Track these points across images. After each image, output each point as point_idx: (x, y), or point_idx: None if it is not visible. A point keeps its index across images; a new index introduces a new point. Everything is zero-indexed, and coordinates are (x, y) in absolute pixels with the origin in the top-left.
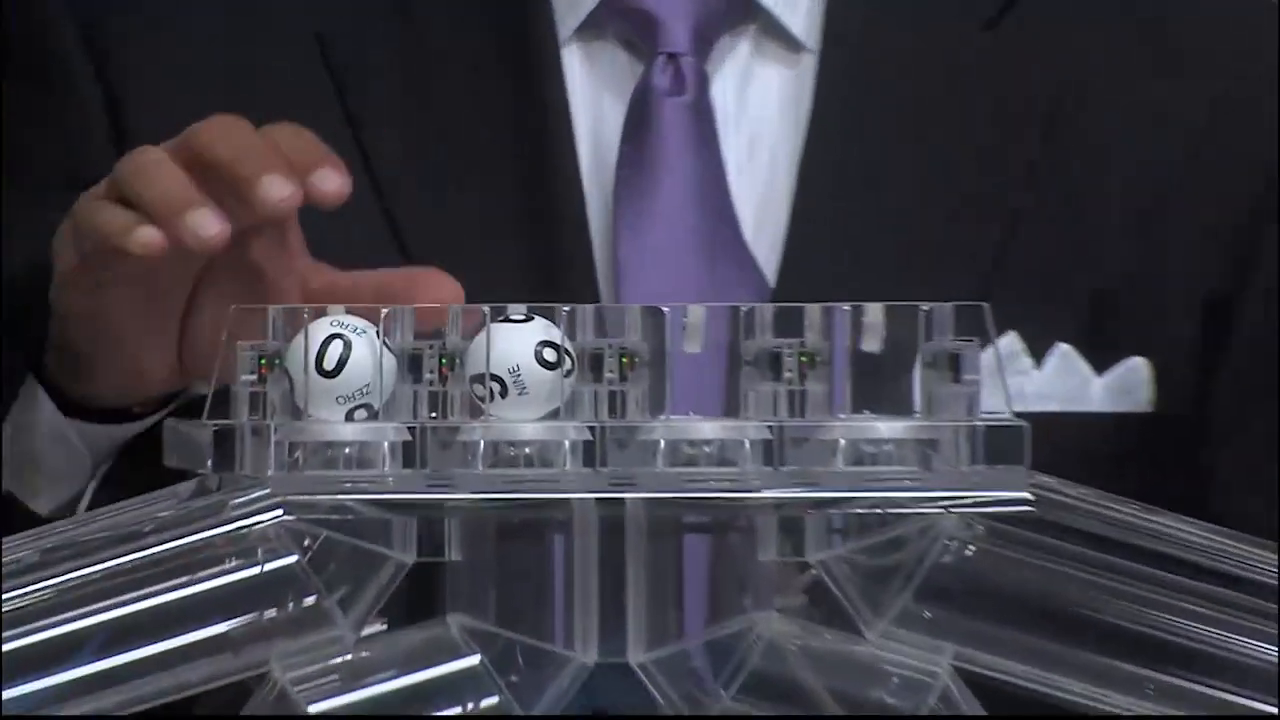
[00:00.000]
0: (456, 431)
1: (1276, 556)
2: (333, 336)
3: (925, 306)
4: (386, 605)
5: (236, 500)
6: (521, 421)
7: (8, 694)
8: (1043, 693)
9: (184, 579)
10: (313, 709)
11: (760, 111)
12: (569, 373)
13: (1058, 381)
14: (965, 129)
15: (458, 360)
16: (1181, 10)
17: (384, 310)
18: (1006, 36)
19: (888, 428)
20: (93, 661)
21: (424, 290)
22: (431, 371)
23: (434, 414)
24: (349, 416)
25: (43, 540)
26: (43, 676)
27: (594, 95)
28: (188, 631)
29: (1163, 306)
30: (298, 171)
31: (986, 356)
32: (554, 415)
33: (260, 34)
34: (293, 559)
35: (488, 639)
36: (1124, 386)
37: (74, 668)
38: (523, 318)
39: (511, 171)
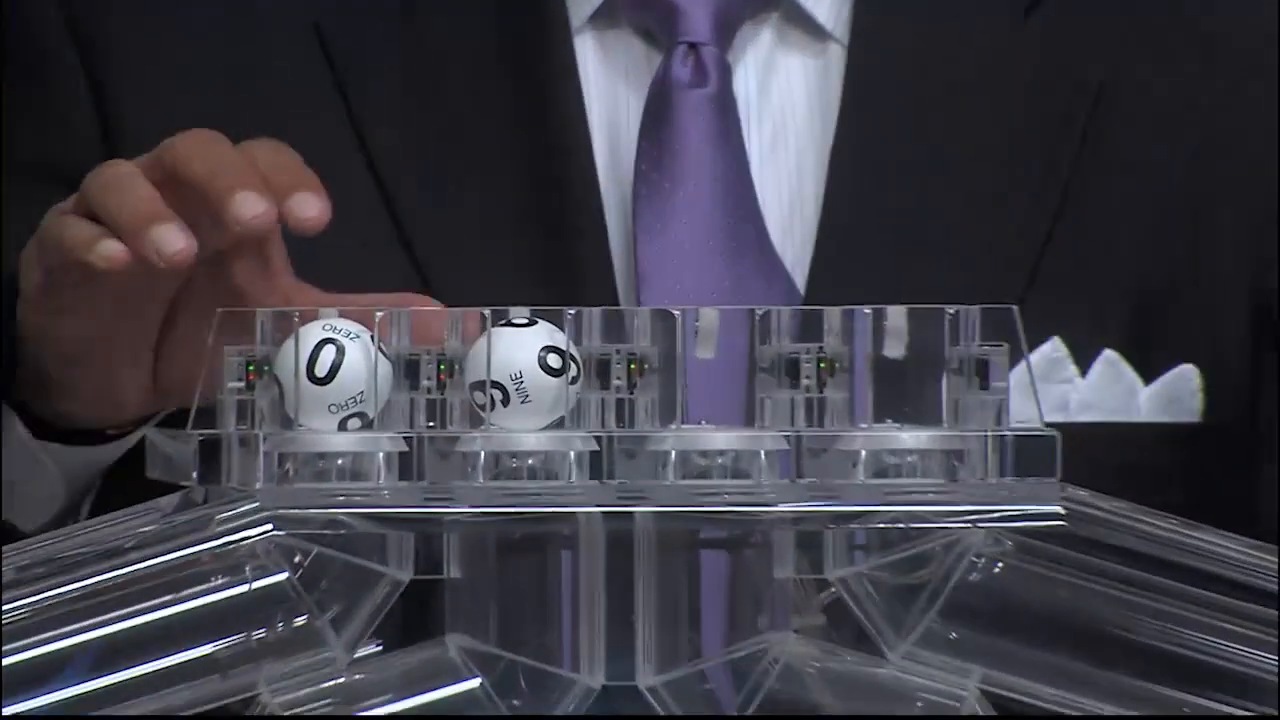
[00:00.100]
0: (455, 442)
1: None
2: (325, 341)
3: (951, 309)
4: (381, 625)
5: (223, 514)
6: (524, 431)
7: None
8: (1074, 717)
9: (167, 598)
10: None
11: (784, 103)
12: (574, 379)
13: (1103, 390)
14: (1002, 121)
15: (457, 366)
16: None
17: (379, 313)
18: (1044, 24)
19: (912, 438)
20: (70, 685)
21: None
22: (429, 378)
23: (432, 423)
24: (342, 426)
25: (19, 557)
26: (17, 701)
27: (609, 87)
28: (171, 653)
29: (1213, 309)
30: (276, 193)
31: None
32: (558, 425)
33: (258, 28)
34: (282, 576)
35: (488, 661)
36: (1172, 395)
37: (50, 692)
38: (525, 321)
39: (522, 169)
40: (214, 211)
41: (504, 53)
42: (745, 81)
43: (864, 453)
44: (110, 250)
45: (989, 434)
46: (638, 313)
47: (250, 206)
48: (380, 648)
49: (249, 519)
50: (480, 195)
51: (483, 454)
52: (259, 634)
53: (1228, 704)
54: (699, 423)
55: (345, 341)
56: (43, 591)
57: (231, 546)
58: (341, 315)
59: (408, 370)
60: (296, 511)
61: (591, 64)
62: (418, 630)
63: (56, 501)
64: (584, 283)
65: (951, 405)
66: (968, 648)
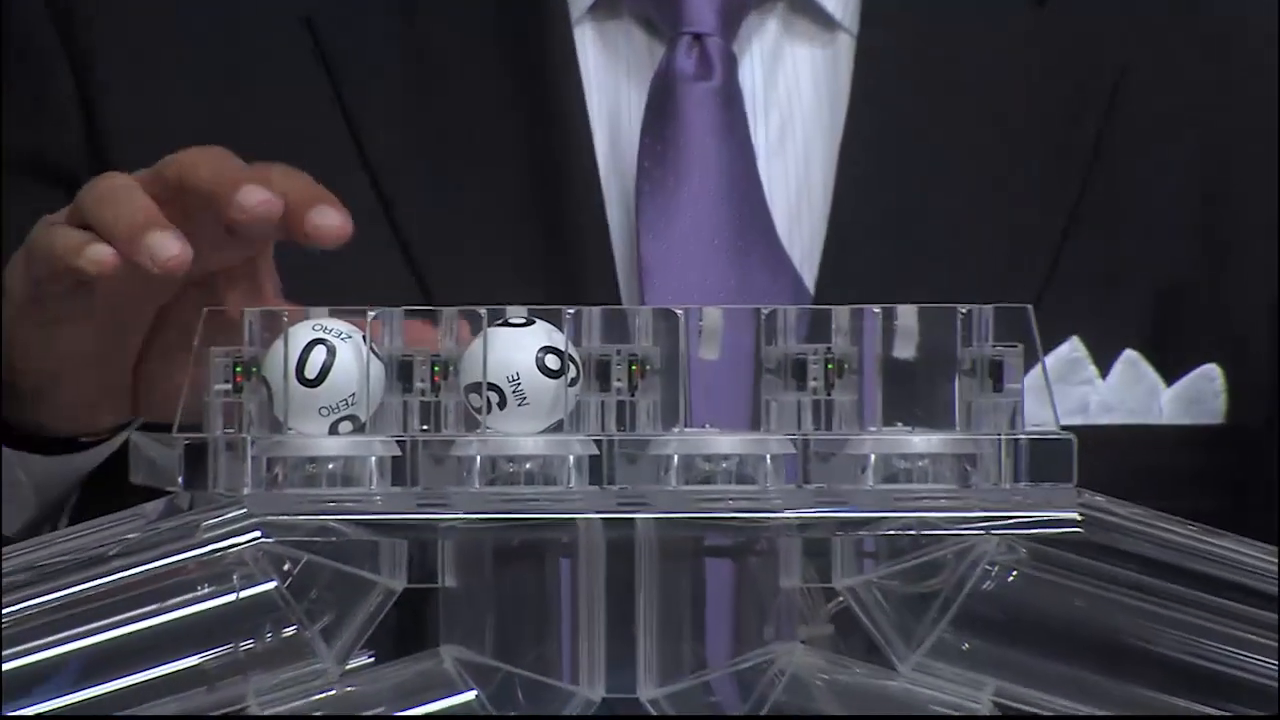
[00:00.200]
0: (450, 446)
1: None
2: (315, 342)
3: (964, 308)
4: (373, 636)
5: (210, 521)
6: (522, 435)
7: None
8: None
9: (152, 607)
10: None
11: (791, 95)
12: (574, 381)
13: (1123, 391)
14: (1017, 112)
15: (452, 368)
16: None
17: (371, 314)
18: (1059, 11)
19: (923, 441)
20: (51, 699)
21: None
22: (423, 380)
23: (426, 426)
24: (333, 429)
25: None
26: None
27: (610, 80)
28: (156, 665)
29: (1237, 307)
30: (294, 207)
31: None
32: (557, 428)
33: (248, 22)
34: (271, 585)
35: (485, 673)
36: (1195, 396)
37: (30, 705)
38: (523, 321)
39: (520, 165)
40: (218, 209)
41: (501, 45)
42: (751, 73)
43: (873, 457)
44: (99, 254)
45: (1003, 437)
46: (639, 312)
47: (255, 195)
48: (372, 659)
49: (236, 526)
50: (478, 192)
51: (479, 458)
52: (247, 645)
53: (1247, 716)
54: (702, 426)
55: (336, 342)
56: (22, 601)
57: (218, 554)
58: (332, 314)
59: (401, 372)
60: (286, 518)
61: (592, 56)
62: (411, 641)
63: (25, 510)
64: (584, 281)
65: (964, 408)
66: (981, 659)
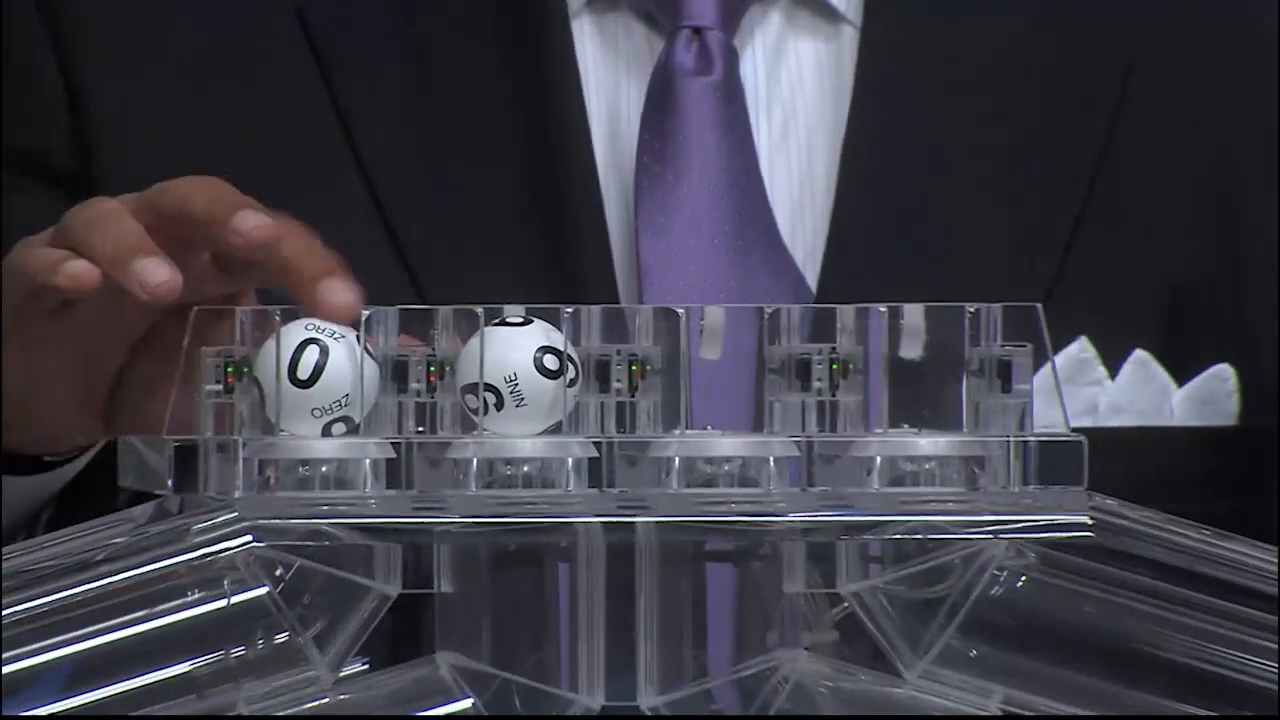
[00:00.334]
0: (446, 448)
1: None
2: (307, 342)
3: (971, 307)
4: (368, 642)
5: (200, 525)
6: (519, 437)
7: None
8: None
9: (141, 613)
10: None
11: (794, 90)
12: (572, 382)
13: (1133, 392)
14: (1024, 107)
15: (448, 368)
16: None
17: (365, 312)
18: (1068, 5)
19: (929, 443)
20: (38, 706)
21: None
22: (418, 381)
23: (421, 428)
24: (326, 431)
25: None
26: None
27: (609, 75)
28: (145, 672)
29: (1249, 306)
30: (303, 279)
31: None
32: (556, 430)
33: (244, 22)
34: (263, 590)
35: (481, 680)
36: (1207, 397)
37: (16, 713)
38: (521, 321)
39: (517, 162)
40: (214, 235)
41: (498, 39)
42: (753, 67)
43: (879, 459)
44: (76, 269)
45: (1011, 439)
46: (639, 311)
47: (251, 219)
48: (366, 666)
49: (227, 530)
50: (474, 189)
51: (475, 461)
52: (238, 651)
53: None
54: (704, 428)
55: (329, 342)
56: (9, 607)
57: (209, 559)
58: None
59: (395, 372)
60: (278, 522)
61: (590, 50)
62: (406, 648)
63: None
64: (583, 280)
65: (972, 409)
66: (989, 666)
